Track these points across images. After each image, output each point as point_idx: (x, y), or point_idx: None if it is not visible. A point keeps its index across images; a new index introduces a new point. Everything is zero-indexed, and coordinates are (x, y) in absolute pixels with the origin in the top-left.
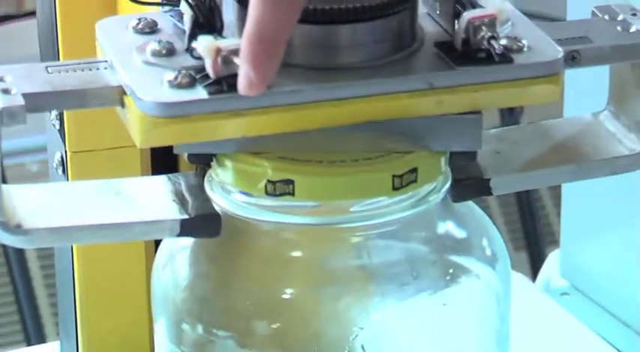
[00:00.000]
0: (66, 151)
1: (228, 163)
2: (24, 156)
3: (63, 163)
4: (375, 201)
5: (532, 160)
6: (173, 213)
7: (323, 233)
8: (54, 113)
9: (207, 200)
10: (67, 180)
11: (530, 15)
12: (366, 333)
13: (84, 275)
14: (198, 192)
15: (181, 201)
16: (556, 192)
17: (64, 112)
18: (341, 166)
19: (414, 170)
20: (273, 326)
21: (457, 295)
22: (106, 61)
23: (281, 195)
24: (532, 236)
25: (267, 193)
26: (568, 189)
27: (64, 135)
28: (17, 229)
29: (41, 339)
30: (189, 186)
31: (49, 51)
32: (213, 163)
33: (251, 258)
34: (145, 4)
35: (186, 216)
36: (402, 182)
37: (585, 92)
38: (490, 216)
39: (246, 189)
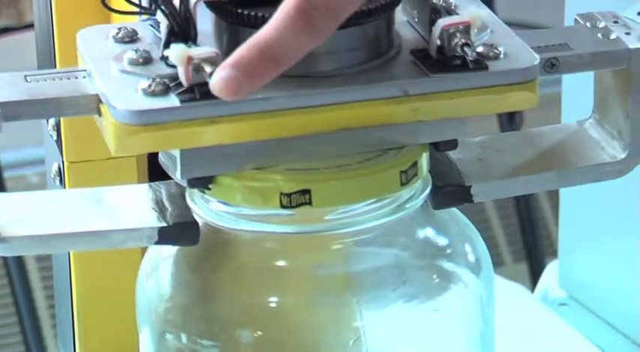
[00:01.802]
0: (63, 161)
1: (234, 182)
2: (24, 168)
3: (60, 173)
4: (351, 209)
5: (515, 167)
6: (152, 221)
7: (301, 241)
8: (51, 123)
9: (186, 208)
10: None
11: (526, 26)
12: (358, 340)
13: (81, 286)
14: (178, 200)
15: (161, 209)
16: (556, 203)
17: (61, 122)
18: (351, 169)
19: (415, 163)
20: (256, 334)
21: (441, 301)
22: (85, 70)
23: (297, 205)
24: (532, 247)
25: (282, 206)
26: (566, 200)
27: (61, 146)
28: None
29: (42, 350)
30: (170, 195)
31: (46, 61)
32: (212, 184)
33: (232, 267)
34: (122, 14)
35: (164, 224)
36: (408, 177)
37: (584, 100)
38: (489, 228)
39: (257, 205)
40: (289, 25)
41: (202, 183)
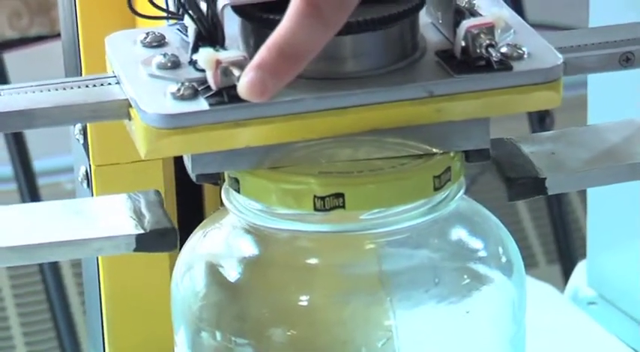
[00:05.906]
0: (90, 165)
1: (268, 183)
2: (59, 175)
3: (87, 177)
4: (385, 209)
5: (587, 161)
6: (129, 228)
7: (335, 240)
8: (78, 128)
9: (163, 215)
10: (92, 194)
11: (554, 27)
12: (390, 339)
13: (109, 289)
14: (156, 208)
15: (139, 217)
16: None
17: (88, 127)
18: (385, 173)
19: (449, 169)
20: (289, 333)
21: (472, 303)
22: (113, 77)
23: (331, 209)
24: (565, 248)
25: (315, 209)
26: (594, 200)
27: (88, 149)
28: None
29: None
30: (148, 203)
31: (73, 68)
32: (242, 182)
33: (266, 266)
34: (150, 18)
35: (142, 231)
36: (441, 182)
37: (609, 101)
38: (522, 230)
39: (290, 207)
40: (301, 21)
41: (210, 179)
